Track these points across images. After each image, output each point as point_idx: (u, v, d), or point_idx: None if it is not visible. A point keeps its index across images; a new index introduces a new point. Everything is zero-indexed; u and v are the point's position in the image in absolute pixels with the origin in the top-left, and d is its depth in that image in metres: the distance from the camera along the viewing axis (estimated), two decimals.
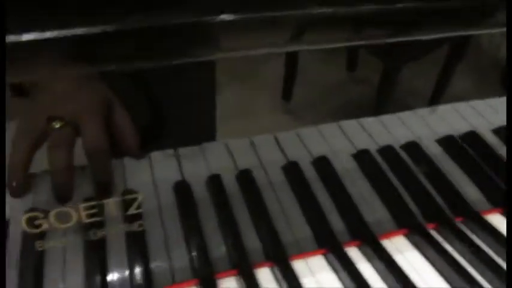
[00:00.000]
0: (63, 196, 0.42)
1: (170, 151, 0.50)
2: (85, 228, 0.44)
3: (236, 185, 0.52)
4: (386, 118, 0.60)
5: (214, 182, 0.51)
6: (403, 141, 0.61)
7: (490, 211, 0.60)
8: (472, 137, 0.64)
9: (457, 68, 0.58)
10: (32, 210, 0.41)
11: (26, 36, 0.33)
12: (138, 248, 0.47)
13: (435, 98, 0.59)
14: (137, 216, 0.46)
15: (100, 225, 0.44)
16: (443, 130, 0.63)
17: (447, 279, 0.51)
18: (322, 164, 0.57)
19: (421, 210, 0.58)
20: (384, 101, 0.56)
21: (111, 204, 0.43)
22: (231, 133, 0.49)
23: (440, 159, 0.62)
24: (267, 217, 0.52)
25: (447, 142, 0.63)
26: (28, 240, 0.43)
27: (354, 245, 0.54)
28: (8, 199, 0.41)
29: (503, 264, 0.52)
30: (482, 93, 0.62)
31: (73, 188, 0.42)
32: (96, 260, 0.46)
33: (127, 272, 0.47)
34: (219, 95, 0.46)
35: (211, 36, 0.41)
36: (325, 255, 0.53)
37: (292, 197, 0.54)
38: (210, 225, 0.51)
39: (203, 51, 0.40)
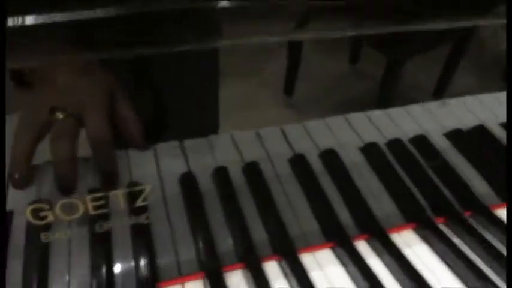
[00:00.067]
0: (66, 188, 0.41)
1: (176, 143, 0.49)
2: (91, 220, 0.43)
3: (242, 177, 0.51)
4: (393, 111, 0.59)
5: (221, 175, 0.51)
6: (411, 135, 0.60)
7: (499, 205, 0.59)
8: (481, 131, 0.64)
9: (461, 62, 0.57)
10: (36, 201, 0.40)
11: (26, 20, 0.32)
12: (144, 241, 0.46)
13: (439, 92, 0.58)
14: (144, 209, 0.45)
15: (106, 217, 0.43)
16: (451, 124, 0.62)
17: (457, 273, 0.51)
18: (329, 157, 0.56)
19: (429, 204, 0.57)
20: (386, 95, 0.56)
21: (118, 196, 0.42)
22: (233, 127, 0.49)
23: (448, 153, 0.61)
24: (274, 210, 0.52)
25: (455, 136, 0.62)
26: (33, 231, 0.42)
27: (362, 239, 0.53)
28: (11, 191, 0.41)
29: None
30: (486, 87, 0.62)
31: (76, 179, 0.41)
32: (102, 252, 0.45)
33: (133, 265, 0.46)
34: (222, 89, 0.45)
35: (211, 22, 0.40)
36: (333, 248, 0.52)
37: (299, 190, 0.54)
38: (216, 218, 0.50)
39: (204, 37, 0.40)
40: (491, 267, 0.51)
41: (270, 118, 0.51)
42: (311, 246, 0.51)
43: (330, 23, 0.45)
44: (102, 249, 0.45)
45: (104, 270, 0.44)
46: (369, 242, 0.53)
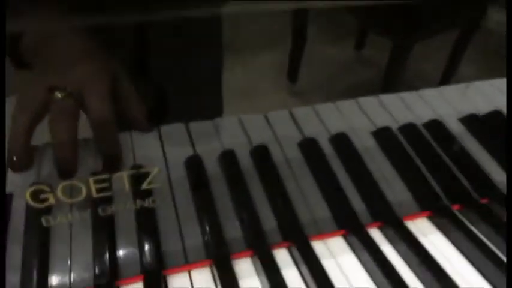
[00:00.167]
0: (66, 171, 0.40)
1: (181, 125, 0.48)
2: (94, 203, 0.41)
3: (251, 161, 0.49)
4: (406, 96, 0.57)
5: (228, 158, 0.49)
6: (425, 119, 0.58)
7: None
8: (496, 116, 0.62)
9: (469, 47, 0.56)
10: (36, 183, 0.38)
11: None
12: (148, 226, 0.45)
13: (446, 77, 0.57)
14: (148, 192, 0.43)
15: (109, 200, 0.41)
16: (467, 109, 0.61)
17: (474, 262, 0.49)
18: (340, 141, 0.54)
19: (444, 191, 0.55)
20: (391, 81, 0.54)
21: (123, 178, 0.40)
22: (237, 111, 0.48)
23: (463, 138, 0.59)
24: (284, 195, 0.50)
25: (470, 121, 0.60)
26: (33, 215, 0.40)
27: (375, 226, 0.51)
28: (10, 174, 0.39)
29: None
30: (491, 74, 0.60)
31: (76, 162, 0.40)
32: (105, 237, 0.43)
33: (137, 251, 0.44)
34: (225, 74, 0.44)
35: None
36: (345, 236, 0.50)
37: (310, 175, 0.52)
38: (224, 203, 0.48)
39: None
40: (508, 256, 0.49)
41: (273, 105, 0.50)
42: (322, 233, 0.49)
43: None
44: (105, 235, 0.43)
45: (107, 256, 0.42)
46: (382, 229, 0.51)
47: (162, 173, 0.46)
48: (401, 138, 0.56)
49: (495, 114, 0.61)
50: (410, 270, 0.47)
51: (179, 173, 0.47)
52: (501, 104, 0.61)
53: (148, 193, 0.43)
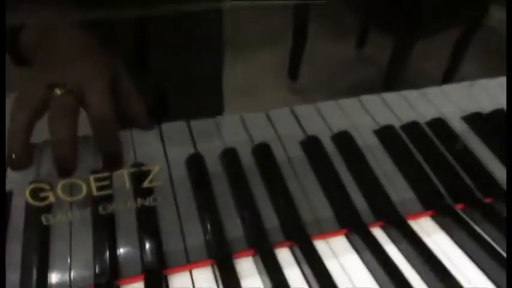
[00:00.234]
0: (65, 169, 0.39)
1: (182, 123, 0.47)
2: (94, 202, 0.40)
3: (252, 159, 0.49)
4: (409, 94, 0.57)
5: (230, 156, 0.48)
6: (428, 118, 0.58)
7: None
8: (500, 115, 0.61)
9: (470, 46, 0.56)
10: (35, 182, 0.38)
11: None
12: (149, 225, 0.44)
13: (448, 75, 0.56)
14: (149, 191, 0.42)
15: (110, 199, 0.41)
16: (470, 107, 0.60)
17: (477, 262, 0.48)
18: (343, 139, 0.53)
19: (447, 190, 0.54)
20: (393, 79, 0.54)
21: (124, 176, 0.39)
22: (237, 109, 0.48)
23: (467, 137, 0.58)
24: (286, 194, 0.50)
25: (474, 119, 0.60)
26: (32, 213, 0.40)
27: (378, 226, 0.51)
28: (9, 172, 0.38)
29: None
30: (493, 72, 0.59)
31: (76, 161, 0.39)
32: (106, 236, 0.42)
33: (138, 250, 0.43)
34: (226, 72, 0.44)
35: None
36: (347, 235, 0.49)
37: (312, 173, 0.51)
38: (225, 202, 0.47)
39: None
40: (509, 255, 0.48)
41: (274, 103, 0.50)
42: (325, 232, 0.49)
43: None
44: (105, 233, 0.42)
45: (107, 255, 0.42)
46: (384, 229, 0.51)
47: (163, 171, 0.45)
48: (404, 136, 0.56)
49: (499, 112, 0.61)
50: (414, 270, 0.47)
51: (180, 171, 0.47)
52: (505, 103, 0.61)
53: (149, 191, 0.43)
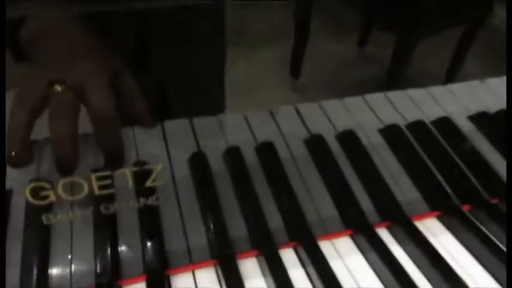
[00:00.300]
0: (65, 168, 0.38)
1: (184, 121, 0.46)
2: (96, 201, 0.40)
3: (256, 158, 0.48)
4: (414, 93, 0.56)
5: (233, 155, 0.48)
6: (433, 117, 0.57)
7: None
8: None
9: (473, 45, 0.55)
10: (36, 180, 0.37)
11: None
12: (152, 225, 0.43)
13: (451, 75, 0.56)
14: (152, 190, 0.42)
15: (112, 198, 0.40)
16: (476, 106, 0.59)
17: (484, 263, 0.48)
18: (348, 138, 0.53)
19: (454, 190, 0.54)
20: (395, 78, 0.53)
21: (126, 175, 0.39)
22: (239, 107, 0.47)
23: (473, 136, 0.58)
24: (290, 194, 0.49)
25: (480, 119, 0.59)
26: (33, 212, 0.39)
27: (383, 226, 0.50)
28: (9, 169, 0.38)
29: None
30: (496, 71, 0.59)
31: (77, 159, 0.38)
32: (107, 236, 0.42)
33: (140, 251, 0.43)
34: (229, 70, 0.44)
35: None
36: (352, 236, 0.49)
37: (317, 173, 0.51)
38: (229, 201, 0.47)
39: None
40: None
41: (275, 100, 0.49)
42: (329, 233, 0.48)
43: None
44: (107, 233, 0.42)
45: (109, 255, 0.41)
46: (390, 229, 0.50)
47: (166, 170, 0.44)
48: (409, 136, 0.55)
49: (504, 112, 0.60)
50: (420, 271, 0.46)
51: (183, 170, 0.46)
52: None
53: (151, 191, 0.42)
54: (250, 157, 0.49)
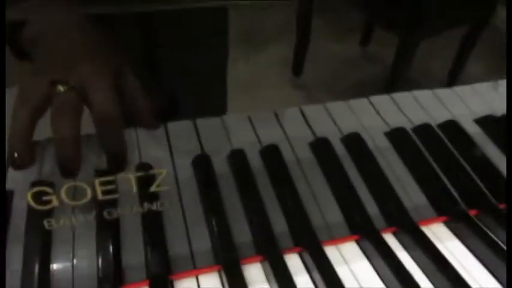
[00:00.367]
0: (68, 169, 0.38)
1: (188, 123, 0.46)
2: (99, 206, 0.39)
3: (260, 161, 0.47)
4: (419, 95, 0.55)
5: (237, 158, 0.47)
6: (440, 120, 0.56)
7: None
8: None
9: (476, 46, 0.54)
10: (38, 183, 0.36)
11: None
12: (155, 229, 0.43)
13: (454, 76, 0.55)
14: (155, 195, 0.41)
15: (115, 203, 0.39)
16: (482, 109, 0.59)
17: (492, 269, 0.47)
18: (353, 141, 0.52)
19: (461, 195, 0.53)
20: (398, 78, 0.52)
21: (130, 180, 0.38)
22: (240, 107, 0.46)
23: (480, 140, 0.57)
24: (295, 198, 0.48)
25: (487, 122, 0.58)
26: (34, 217, 0.38)
27: (390, 232, 0.49)
28: (10, 171, 0.37)
29: None
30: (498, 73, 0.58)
31: (79, 160, 0.38)
32: (110, 241, 0.41)
33: (143, 256, 0.42)
34: (230, 69, 0.43)
35: None
36: (358, 242, 0.48)
37: (322, 177, 0.50)
38: (233, 205, 0.46)
39: None
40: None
41: (278, 100, 0.48)
42: (335, 238, 0.47)
43: None
44: (110, 238, 0.41)
45: (111, 260, 0.41)
46: (396, 235, 0.49)
47: (169, 173, 0.44)
48: (416, 139, 0.54)
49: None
50: (427, 278, 0.46)
51: (187, 172, 0.45)
52: None
53: (155, 195, 0.41)
54: (255, 160, 0.48)
